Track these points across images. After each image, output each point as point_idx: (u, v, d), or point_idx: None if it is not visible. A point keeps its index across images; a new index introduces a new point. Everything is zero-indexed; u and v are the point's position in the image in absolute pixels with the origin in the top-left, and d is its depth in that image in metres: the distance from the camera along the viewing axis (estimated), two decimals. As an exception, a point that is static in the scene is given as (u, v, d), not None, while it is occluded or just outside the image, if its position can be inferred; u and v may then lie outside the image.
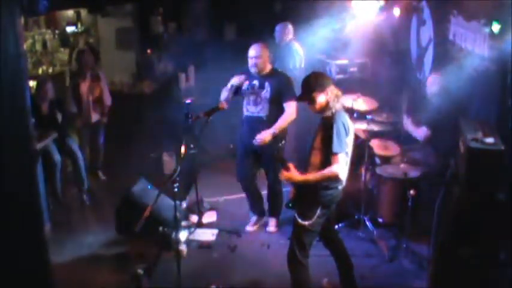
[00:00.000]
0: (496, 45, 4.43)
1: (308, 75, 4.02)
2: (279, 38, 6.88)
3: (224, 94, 5.23)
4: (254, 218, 5.62)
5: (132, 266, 4.68)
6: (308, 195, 3.98)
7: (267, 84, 5.13)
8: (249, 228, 5.57)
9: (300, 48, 6.86)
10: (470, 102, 4.93)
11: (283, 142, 5.07)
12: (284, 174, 3.97)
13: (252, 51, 5.15)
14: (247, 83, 5.22)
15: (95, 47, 8.82)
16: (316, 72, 4.15)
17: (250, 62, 5.15)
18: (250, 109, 5.23)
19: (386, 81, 6.92)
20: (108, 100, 6.85)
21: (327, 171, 3.82)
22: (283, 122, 5.08)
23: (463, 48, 5.27)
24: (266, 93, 5.12)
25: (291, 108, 5.07)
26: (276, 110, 5.12)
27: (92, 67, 6.71)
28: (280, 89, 5.10)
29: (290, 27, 6.90)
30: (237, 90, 5.26)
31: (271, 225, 5.52)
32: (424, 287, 4.44)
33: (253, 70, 5.16)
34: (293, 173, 3.95)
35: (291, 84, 5.18)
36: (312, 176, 3.91)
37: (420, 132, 5.35)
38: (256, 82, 5.18)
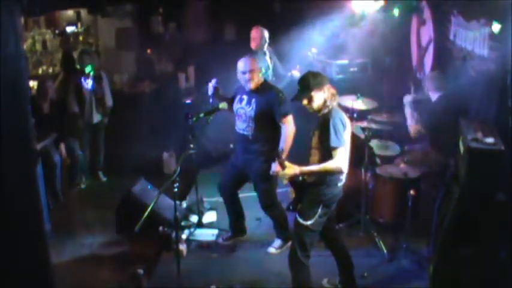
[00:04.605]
0: (496, 45, 4.44)
1: (305, 74, 4.05)
2: (257, 43, 6.43)
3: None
4: (229, 235, 5.39)
5: (132, 266, 4.69)
6: (309, 195, 3.99)
7: (253, 101, 4.83)
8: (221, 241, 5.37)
9: (270, 57, 6.50)
10: (470, 102, 4.93)
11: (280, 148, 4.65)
12: (284, 173, 3.92)
13: (244, 66, 4.81)
14: (238, 97, 4.98)
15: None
16: (313, 71, 4.16)
17: (243, 77, 4.82)
18: (238, 125, 4.97)
19: (386, 81, 6.92)
20: (109, 101, 6.85)
21: (330, 163, 3.83)
22: (287, 143, 4.72)
23: (463, 48, 5.27)
24: (251, 111, 4.82)
25: (289, 125, 4.76)
26: (263, 129, 4.83)
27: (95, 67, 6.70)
28: (269, 106, 4.78)
29: (266, 32, 6.49)
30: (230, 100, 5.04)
31: (273, 245, 5.19)
32: (424, 287, 4.44)
33: (248, 86, 4.84)
34: (293, 168, 3.88)
35: (281, 99, 4.80)
36: (315, 167, 3.89)
37: (414, 129, 5.36)
38: (245, 97, 4.89)
